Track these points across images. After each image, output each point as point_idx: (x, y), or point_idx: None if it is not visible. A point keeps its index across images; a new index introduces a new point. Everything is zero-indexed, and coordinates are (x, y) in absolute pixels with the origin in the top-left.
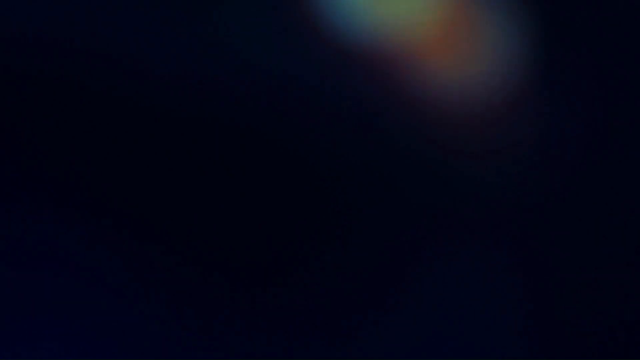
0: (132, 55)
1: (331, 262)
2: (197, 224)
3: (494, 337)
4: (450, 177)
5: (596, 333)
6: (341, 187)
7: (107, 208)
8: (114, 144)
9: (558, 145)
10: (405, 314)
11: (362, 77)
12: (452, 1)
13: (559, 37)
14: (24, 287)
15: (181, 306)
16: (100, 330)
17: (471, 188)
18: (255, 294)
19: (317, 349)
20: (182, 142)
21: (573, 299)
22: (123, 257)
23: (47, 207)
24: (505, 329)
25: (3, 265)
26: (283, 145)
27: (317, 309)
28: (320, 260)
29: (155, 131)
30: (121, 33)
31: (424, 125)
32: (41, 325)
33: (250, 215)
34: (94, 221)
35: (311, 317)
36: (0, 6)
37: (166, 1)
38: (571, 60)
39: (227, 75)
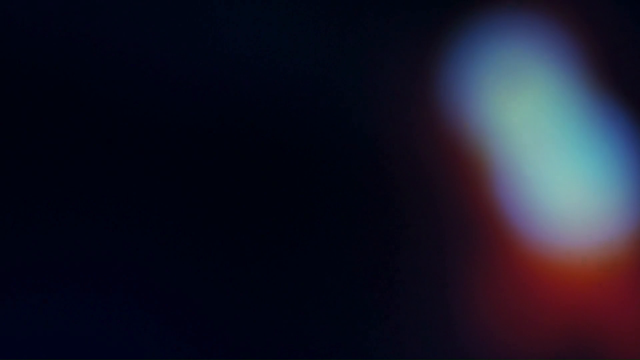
0: (134, 55)
1: (331, 262)
2: (197, 223)
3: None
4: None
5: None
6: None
7: (107, 208)
8: (113, 143)
9: None
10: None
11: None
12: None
13: None
14: (24, 287)
15: (181, 306)
16: (100, 331)
17: None
18: (253, 294)
19: (316, 348)
20: (193, 144)
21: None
22: (123, 258)
23: (46, 207)
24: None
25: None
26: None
27: (316, 308)
28: (320, 261)
29: (157, 131)
30: (121, 32)
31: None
32: (42, 325)
33: (250, 215)
34: (94, 221)
35: (310, 317)
36: (0, 6)
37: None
38: None
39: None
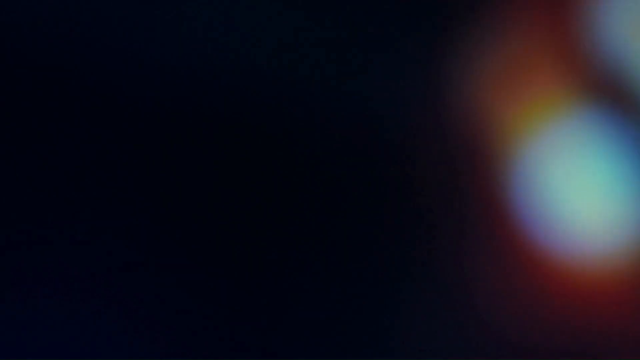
0: (134, 54)
1: (330, 262)
2: (195, 221)
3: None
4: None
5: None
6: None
7: (106, 206)
8: (113, 143)
9: None
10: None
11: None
12: None
13: None
14: (24, 287)
15: (181, 306)
16: (99, 330)
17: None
18: (254, 294)
19: (316, 348)
20: (188, 139)
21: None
22: (122, 256)
23: (46, 206)
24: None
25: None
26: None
27: (316, 309)
28: (319, 260)
29: (153, 127)
30: (120, 32)
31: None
32: (42, 324)
33: (249, 213)
34: (92, 219)
35: (310, 317)
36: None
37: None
38: None
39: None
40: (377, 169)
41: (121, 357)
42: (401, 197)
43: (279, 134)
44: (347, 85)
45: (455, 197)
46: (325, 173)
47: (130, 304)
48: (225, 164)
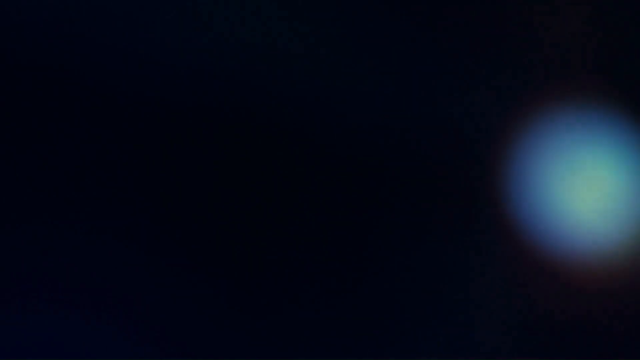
0: (136, 52)
1: (329, 260)
2: (195, 219)
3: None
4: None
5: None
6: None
7: (106, 206)
8: (114, 143)
9: None
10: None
11: None
12: None
13: None
14: (24, 287)
15: (180, 306)
16: (98, 330)
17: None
18: (254, 293)
19: (316, 348)
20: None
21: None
22: (122, 256)
23: (46, 206)
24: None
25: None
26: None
27: (316, 308)
28: (319, 260)
29: (153, 127)
30: (123, 31)
31: None
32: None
33: (249, 211)
34: (92, 219)
35: (310, 317)
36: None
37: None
38: None
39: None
40: (378, 169)
41: (121, 357)
42: (401, 198)
43: (278, 134)
44: (347, 87)
45: (455, 198)
46: (325, 174)
47: (131, 304)
48: (226, 164)
